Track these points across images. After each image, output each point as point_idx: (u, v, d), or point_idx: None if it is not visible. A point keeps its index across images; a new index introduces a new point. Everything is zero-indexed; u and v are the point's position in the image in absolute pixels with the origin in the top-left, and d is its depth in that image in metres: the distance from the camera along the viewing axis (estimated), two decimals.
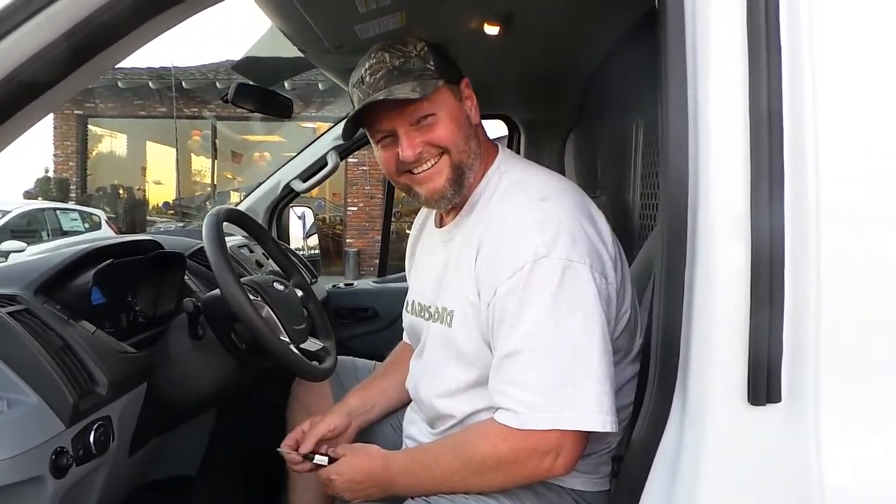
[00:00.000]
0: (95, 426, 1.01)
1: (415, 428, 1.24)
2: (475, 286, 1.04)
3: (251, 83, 1.82)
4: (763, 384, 0.76)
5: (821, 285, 0.76)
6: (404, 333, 1.41)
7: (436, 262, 1.19)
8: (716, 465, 0.78)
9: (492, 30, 1.75)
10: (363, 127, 1.12)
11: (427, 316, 1.18)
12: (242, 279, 1.23)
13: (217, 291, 1.18)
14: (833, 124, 0.77)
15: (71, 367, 1.00)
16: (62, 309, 1.09)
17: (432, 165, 1.08)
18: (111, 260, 1.23)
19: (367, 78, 1.07)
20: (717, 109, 0.79)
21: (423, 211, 1.33)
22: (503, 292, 0.99)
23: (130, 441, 1.17)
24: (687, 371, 0.82)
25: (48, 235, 8.11)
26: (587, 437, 0.98)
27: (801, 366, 0.77)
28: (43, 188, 12.50)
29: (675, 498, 0.79)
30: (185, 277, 1.49)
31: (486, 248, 1.04)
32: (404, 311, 1.32)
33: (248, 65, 1.92)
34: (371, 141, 1.14)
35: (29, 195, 12.31)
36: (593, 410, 0.95)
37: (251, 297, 1.18)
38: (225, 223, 1.29)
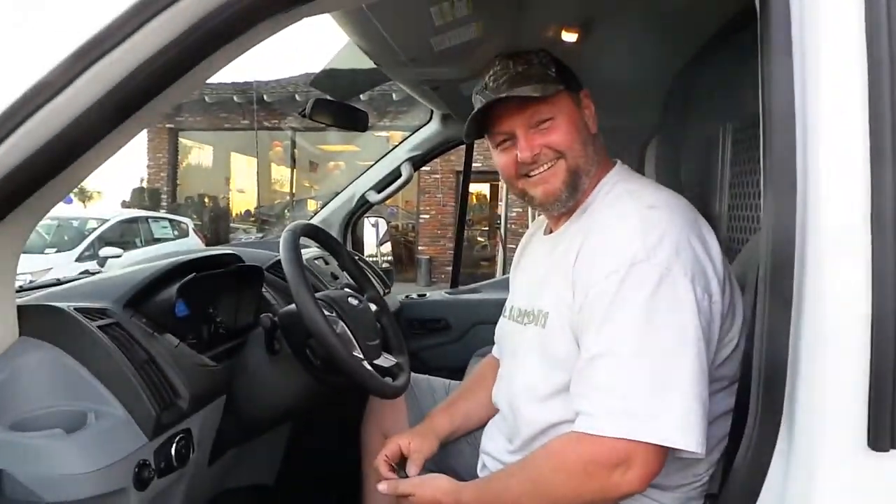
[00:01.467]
0: (177, 439, 1.03)
1: (493, 444, 1.21)
2: (571, 286, 1.02)
3: (328, 98, 1.85)
4: (887, 425, 0.67)
5: None
6: (495, 344, 1.38)
7: (538, 268, 1.19)
8: None
9: (570, 36, 1.70)
10: (485, 131, 1.16)
11: (524, 320, 1.17)
12: (318, 294, 1.24)
13: (293, 307, 1.18)
14: None
15: (155, 381, 1.02)
16: (148, 322, 1.13)
17: (548, 168, 1.10)
18: (194, 273, 1.27)
19: (491, 83, 1.11)
20: (828, 109, 0.71)
21: (534, 224, 1.35)
22: (596, 293, 0.97)
23: (210, 452, 1.20)
24: (794, 405, 0.74)
25: (141, 242, 8.61)
26: (664, 455, 0.92)
27: None
28: (137, 198, 13.31)
29: None
30: (264, 290, 1.52)
31: (586, 248, 1.03)
32: (501, 318, 1.32)
33: (326, 79, 1.95)
34: (491, 145, 1.17)
35: (125, 205, 13.15)
36: (676, 426, 0.89)
37: (326, 312, 1.18)
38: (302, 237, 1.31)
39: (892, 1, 0.68)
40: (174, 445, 1.02)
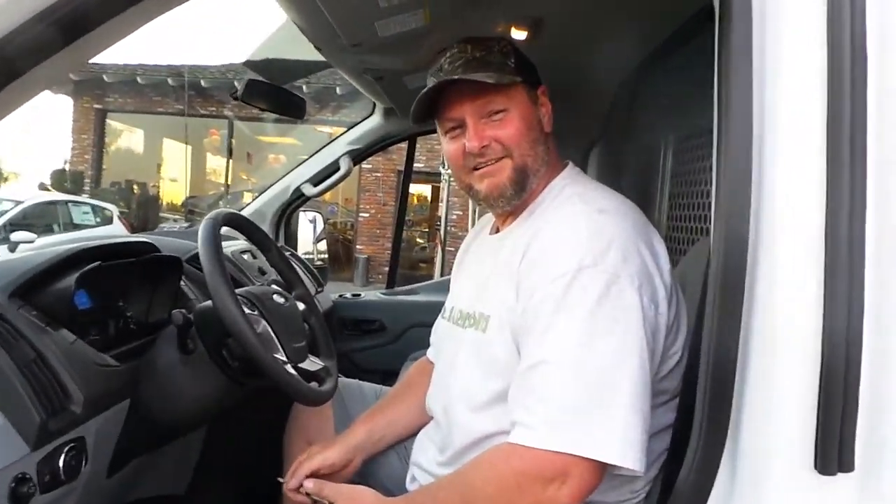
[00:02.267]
0: (66, 448, 0.91)
1: (423, 456, 1.14)
2: (515, 289, 0.97)
3: (263, 80, 1.73)
4: (835, 448, 0.65)
5: None
6: (433, 345, 1.31)
7: (482, 268, 1.13)
8: None
9: (519, 34, 1.65)
10: (435, 116, 1.11)
11: (464, 323, 1.11)
12: (239, 290, 1.13)
13: (210, 303, 1.08)
14: None
15: (43, 382, 0.90)
16: (39, 315, 1.00)
17: (494, 162, 1.05)
18: (99, 262, 1.14)
19: (446, 66, 1.06)
20: (786, 115, 0.68)
21: (480, 222, 1.29)
22: (540, 297, 0.92)
23: (109, 462, 1.07)
24: (739, 423, 0.71)
25: (59, 228, 8.09)
26: (602, 471, 0.87)
27: (880, 428, 0.65)
28: (58, 180, 12.53)
29: None
30: (182, 283, 1.40)
31: (532, 250, 0.98)
32: (439, 318, 1.25)
33: (262, 61, 1.83)
34: (440, 132, 1.12)
35: (43, 187, 12.35)
36: (615, 439, 0.85)
37: (247, 310, 1.08)
38: (226, 227, 1.20)
39: (856, 2, 0.65)
40: (63, 456, 0.90)
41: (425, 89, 1.05)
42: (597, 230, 0.94)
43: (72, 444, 0.92)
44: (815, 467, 0.65)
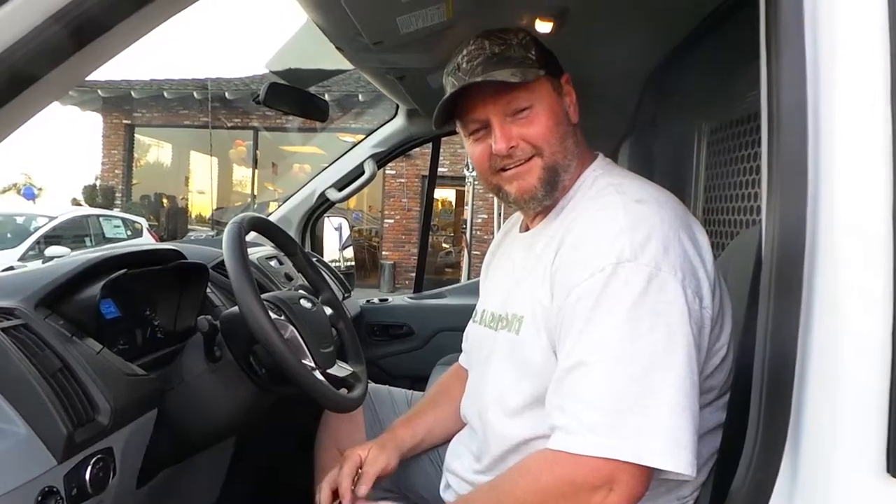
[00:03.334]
0: (94, 460, 0.89)
1: (458, 463, 1.10)
2: (549, 287, 0.93)
3: (285, 83, 1.72)
4: None
5: None
6: (465, 352, 1.27)
7: (514, 268, 1.09)
8: None
9: (544, 26, 1.61)
10: (456, 118, 1.06)
11: (496, 326, 1.07)
12: (265, 295, 1.11)
13: (236, 309, 1.05)
14: None
15: (69, 393, 0.88)
16: (66, 325, 0.98)
17: (523, 163, 1.01)
18: (125, 270, 1.13)
19: (464, 64, 1.01)
20: (846, 97, 0.63)
21: (509, 220, 1.24)
22: (577, 294, 0.87)
23: (137, 474, 1.05)
24: (800, 423, 0.65)
25: (92, 241, 8.25)
26: (650, 477, 0.83)
27: None
28: (90, 195, 12.82)
29: None
30: (208, 290, 1.38)
31: (566, 246, 0.93)
32: (471, 322, 1.21)
33: (283, 64, 1.83)
34: (463, 134, 1.07)
35: (76, 202, 12.65)
36: (664, 444, 0.80)
37: (273, 315, 1.06)
38: (252, 233, 1.18)
39: None
40: (90, 468, 0.88)
41: (447, 94, 1.01)
42: (635, 221, 0.89)
43: (99, 456, 0.90)
44: (889, 470, 0.60)
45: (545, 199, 1.01)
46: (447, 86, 1.04)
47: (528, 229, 1.11)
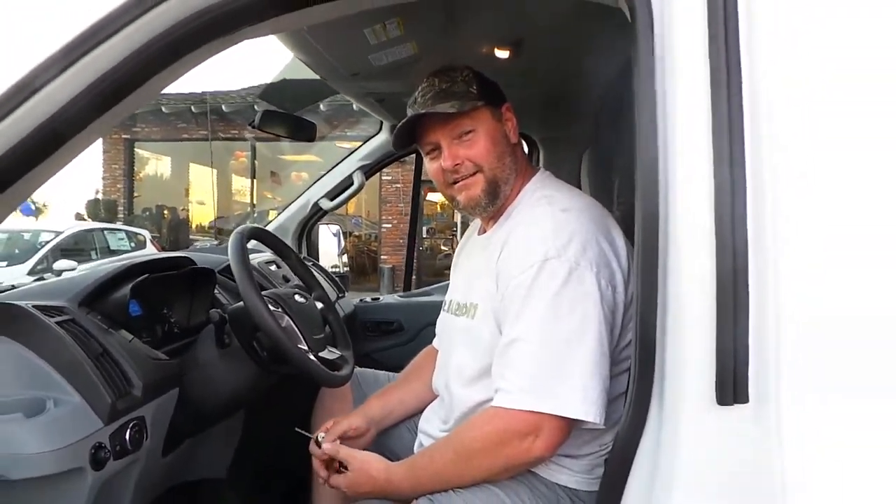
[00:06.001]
0: (131, 425, 1.12)
1: (429, 425, 1.33)
2: (495, 280, 1.16)
3: (276, 110, 1.95)
4: (730, 385, 0.81)
5: (779, 295, 0.81)
6: (437, 335, 1.51)
7: (472, 264, 1.32)
8: (689, 463, 0.82)
9: (502, 53, 1.82)
10: (416, 142, 1.28)
11: (458, 313, 1.30)
12: (264, 292, 1.34)
13: (241, 303, 1.28)
14: (794, 134, 0.82)
15: (110, 371, 1.11)
16: (103, 319, 1.21)
17: (469, 177, 1.22)
18: (147, 275, 1.35)
19: (419, 98, 1.24)
20: (683, 126, 0.85)
21: (472, 225, 1.48)
22: (515, 285, 1.10)
23: (164, 442, 1.28)
24: (663, 375, 0.87)
25: (97, 254, 8.46)
26: (569, 426, 1.06)
27: (765, 369, 0.82)
28: (92, 209, 13.05)
29: (653, 497, 0.83)
30: (216, 291, 1.61)
31: (507, 246, 1.16)
32: (442, 311, 1.44)
33: (273, 92, 2.05)
34: (423, 153, 1.30)
35: (80, 216, 12.87)
36: (577, 399, 1.03)
37: (272, 308, 1.28)
38: (253, 241, 1.42)
39: (730, 24, 0.82)
40: (128, 431, 1.10)
41: (400, 122, 1.24)
42: (559, 226, 1.12)
43: (135, 422, 1.13)
44: (718, 401, 0.82)
45: (489, 206, 1.24)
46: (409, 114, 1.26)
47: (484, 232, 1.35)
